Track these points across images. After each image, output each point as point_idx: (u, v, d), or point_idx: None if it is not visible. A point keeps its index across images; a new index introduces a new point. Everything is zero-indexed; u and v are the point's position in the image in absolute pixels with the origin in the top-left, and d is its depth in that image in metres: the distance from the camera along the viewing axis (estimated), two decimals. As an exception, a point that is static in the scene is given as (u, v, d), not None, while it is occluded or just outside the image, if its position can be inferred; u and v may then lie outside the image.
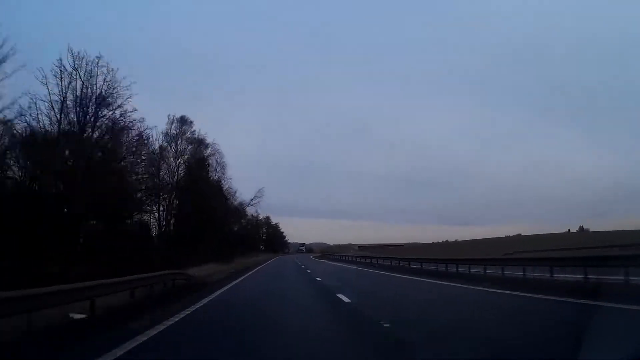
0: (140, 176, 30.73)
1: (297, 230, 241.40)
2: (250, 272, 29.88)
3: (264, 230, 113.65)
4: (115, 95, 24.65)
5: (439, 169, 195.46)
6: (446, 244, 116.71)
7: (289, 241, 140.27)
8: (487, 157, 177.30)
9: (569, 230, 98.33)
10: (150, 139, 34.61)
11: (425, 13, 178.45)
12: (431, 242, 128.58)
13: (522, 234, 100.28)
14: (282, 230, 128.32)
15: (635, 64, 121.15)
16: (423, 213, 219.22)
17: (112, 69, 24.58)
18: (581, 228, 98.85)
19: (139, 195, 30.69)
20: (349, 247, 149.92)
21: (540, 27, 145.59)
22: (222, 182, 50.82)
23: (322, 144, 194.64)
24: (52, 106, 22.72)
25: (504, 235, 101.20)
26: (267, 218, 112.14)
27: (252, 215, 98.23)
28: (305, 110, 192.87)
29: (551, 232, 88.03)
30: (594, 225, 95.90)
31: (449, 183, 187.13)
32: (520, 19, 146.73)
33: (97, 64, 24.11)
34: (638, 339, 5.27)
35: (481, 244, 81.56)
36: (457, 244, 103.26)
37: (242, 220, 79.61)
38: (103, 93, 24.18)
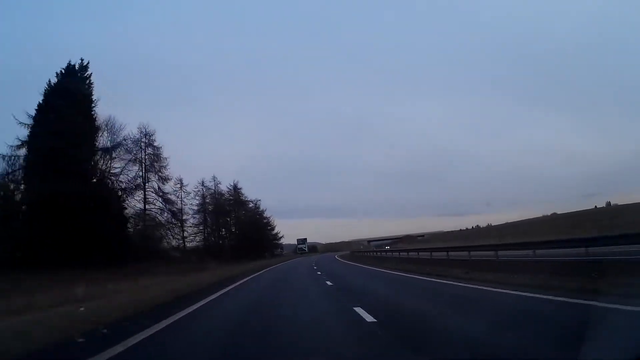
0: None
1: (285, 230, 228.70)
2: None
3: (234, 215, 67.72)
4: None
5: (433, 161, 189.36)
6: (477, 230, 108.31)
7: (281, 241, 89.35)
8: (483, 146, 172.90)
9: (595, 206, 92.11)
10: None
11: (416, 6, 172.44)
12: (458, 229, 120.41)
13: (558, 212, 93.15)
14: (266, 216, 79.01)
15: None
16: (418, 206, 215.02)
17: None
18: (608, 203, 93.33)
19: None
20: (355, 243, 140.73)
21: (531, 17, 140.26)
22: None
23: (315, 143, 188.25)
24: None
25: (541, 215, 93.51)
26: (236, 190, 67.21)
27: (202, 184, 58.27)
28: (297, 110, 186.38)
29: (578, 209, 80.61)
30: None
31: (444, 175, 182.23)
32: (511, 9, 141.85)
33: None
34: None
35: (522, 225, 73.85)
36: (492, 228, 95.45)
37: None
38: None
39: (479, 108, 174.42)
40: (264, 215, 79.00)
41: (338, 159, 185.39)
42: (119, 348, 6.01)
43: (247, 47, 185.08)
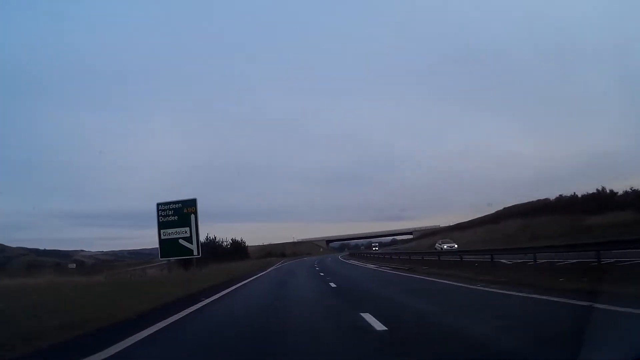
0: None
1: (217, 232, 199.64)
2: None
3: None
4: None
5: (370, 164, 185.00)
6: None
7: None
8: (424, 150, 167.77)
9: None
10: None
11: (359, 8, 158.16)
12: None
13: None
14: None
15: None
16: (353, 210, 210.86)
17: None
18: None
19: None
20: (304, 244, 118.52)
21: (469, 19, 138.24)
22: None
23: (248, 145, 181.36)
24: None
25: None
26: None
27: None
28: (231, 113, 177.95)
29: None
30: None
31: (382, 178, 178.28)
32: (449, 12, 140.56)
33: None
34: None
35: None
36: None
37: None
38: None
39: (418, 111, 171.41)
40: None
41: (269, 161, 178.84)
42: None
43: (167, 45, 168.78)
